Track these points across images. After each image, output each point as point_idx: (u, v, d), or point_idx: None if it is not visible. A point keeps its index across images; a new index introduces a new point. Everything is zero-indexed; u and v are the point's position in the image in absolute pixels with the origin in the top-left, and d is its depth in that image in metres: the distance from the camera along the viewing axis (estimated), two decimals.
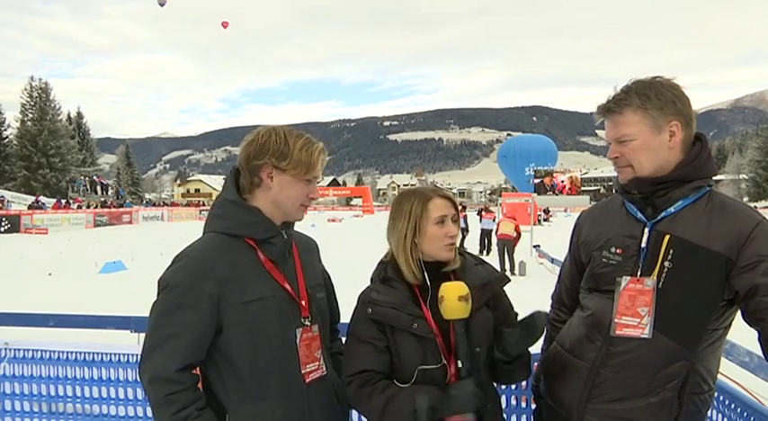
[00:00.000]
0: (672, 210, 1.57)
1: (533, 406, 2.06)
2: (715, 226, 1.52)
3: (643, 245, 1.59)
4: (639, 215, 1.62)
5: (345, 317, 1.93)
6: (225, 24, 61.16)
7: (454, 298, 1.55)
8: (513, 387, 2.32)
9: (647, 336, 1.56)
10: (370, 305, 1.65)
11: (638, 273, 1.59)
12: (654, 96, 1.57)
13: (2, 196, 35.10)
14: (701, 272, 1.52)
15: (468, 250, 1.88)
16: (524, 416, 2.32)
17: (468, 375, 1.56)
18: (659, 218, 1.58)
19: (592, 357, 1.63)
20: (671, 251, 1.54)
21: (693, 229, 1.53)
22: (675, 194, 1.56)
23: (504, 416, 1.85)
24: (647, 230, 1.59)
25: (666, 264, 1.55)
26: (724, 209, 1.55)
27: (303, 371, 1.61)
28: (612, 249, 1.65)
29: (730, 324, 1.60)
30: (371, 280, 1.74)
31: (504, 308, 1.74)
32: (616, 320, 1.60)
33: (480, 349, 1.63)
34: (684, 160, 1.58)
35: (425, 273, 1.67)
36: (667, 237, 1.55)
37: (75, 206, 37.98)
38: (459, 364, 1.57)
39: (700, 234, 1.52)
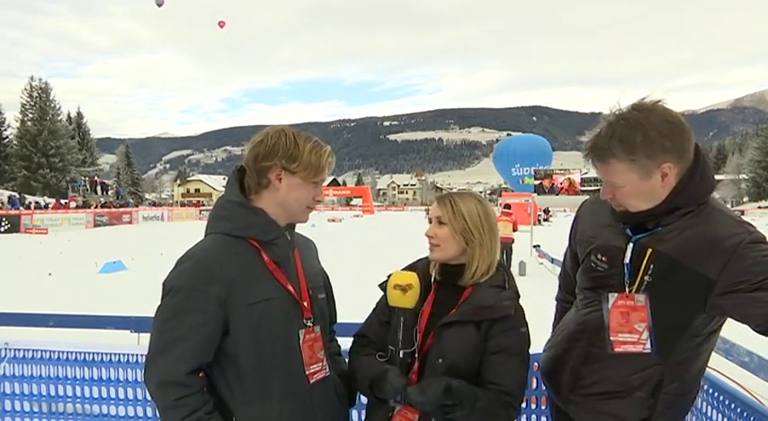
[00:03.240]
0: (660, 228, 1.55)
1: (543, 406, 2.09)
2: (697, 242, 1.49)
3: (627, 260, 1.59)
4: (626, 229, 1.60)
5: (345, 317, 1.94)
6: (222, 24, 60.96)
7: (391, 285, 1.66)
8: None
9: (648, 351, 1.58)
10: (387, 281, 1.78)
11: (626, 288, 1.59)
12: (640, 143, 1.45)
13: (12, 195, 35.40)
14: (679, 288, 1.51)
15: None
16: (534, 416, 2.32)
17: (400, 366, 1.62)
18: (646, 233, 1.57)
19: (575, 355, 1.71)
20: (651, 266, 1.54)
21: (675, 244, 1.51)
22: (663, 221, 1.54)
23: None
24: (630, 245, 1.58)
25: (647, 278, 1.55)
26: (709, 223, 1.50)
27: (307, 372, 1.61)
28: (599, 256, 1.66)
29: (718, 329, 1.60)
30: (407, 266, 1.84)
31: (500, 343, 1.60)
32: (612, 338, 1.61)
33: (443, 361, 1.60)
34: (675, 190, 1.51)
35: (434, 270, 1.74)
36: (649, 250, 1.54)
37: (74, 205, 38.02)
38: (401, 353, 1.64)
39: (680, 250, 1.50)
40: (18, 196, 35.98)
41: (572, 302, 1.86)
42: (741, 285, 1.42)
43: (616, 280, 1.61)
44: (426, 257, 1.82)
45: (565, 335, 1.79)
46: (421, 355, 1.66)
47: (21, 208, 32.50)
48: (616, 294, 1.60)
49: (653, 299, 1.55)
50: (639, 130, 1.46)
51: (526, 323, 1.67)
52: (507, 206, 14.50)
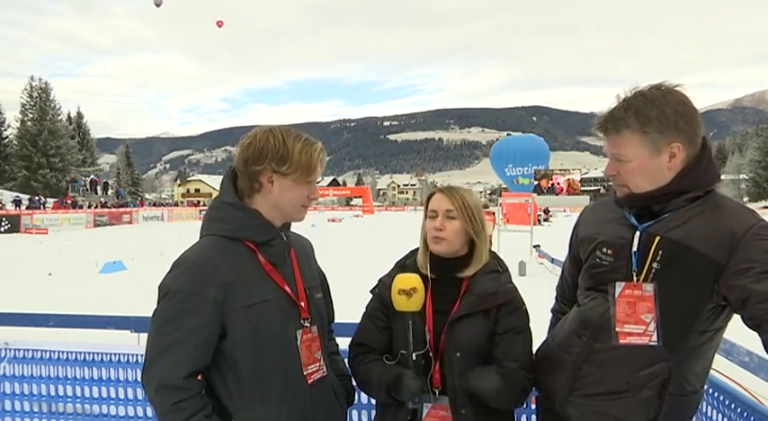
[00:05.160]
0: (667, 215, 1.54)
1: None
2: (706, 227, 1.48)
3: (634, 248, 1.56)
4: (632, 219, 1.59)
5: (345, 317, 1.94)
6: (220, 23, 60.84)
7: (395, 290, 1.64)
8: None
9: (655, 344, 1.54)
10: (379, 286, 1.79)
11: (633, 278, 1.56)
12: (655, 117, 1.47)
13: (17, 197, 35.62)
14: (688, 274, 1.49)
15: None
16: (534, 416, 2.31)
17: (414, 369, 1.62)
18: (652, 222, 1.55)
19: (576, 352, 1.65)
20: (660, 252, 1.52)
21: (683, 230, 1.50)
22: (670, 206, 1.53)
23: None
24: (638, 234, 1.56)
25: (655, 265, 1.52)
26: (717, 210, 1.50)
27: (305, 373, 1.60)
28: (604, 250, 1.62)
29: (724, 326, 1.58)
30: (395, 264, 1.85)
31: (509, 323, 1.70)
32: (617, 329, 1.57)
33: (461, 354, 1.65)
34: (681, 172, 1.51)
35: (429, 266, 1.74)
36: (657, 238, 1.52)
37: (70, 203, 38.09)
38: (413, 356, 1.63)
39: (689, 235, 1.49)
40: (39, 198, 36.29)
41: (566, 313, 1.81)
42: (748, 272, 1.41)
43: (621, 273, 1.58)
44: (412, 254, 1.82)
45: (564, 333, 1.73)
46: (438, 354, 1.68)
47: (34, 209, 32.86)
48: (623, 283, 1.57)
49: (661, 286, 1.52)
50: (656, 106, 1.48)
51: (523, 301, 1.77)
52: (485, 206, 15.09)
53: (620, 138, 1.53)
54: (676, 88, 1.52)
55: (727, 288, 1.45)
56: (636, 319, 1.55)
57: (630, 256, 1.56)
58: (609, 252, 1.61)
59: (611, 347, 1.58)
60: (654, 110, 1.48)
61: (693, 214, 1.51)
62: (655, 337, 1.54)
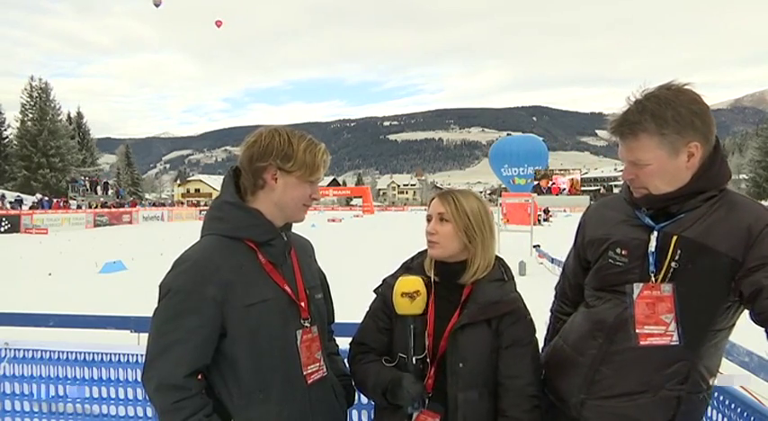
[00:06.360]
0: (682, 215, 1.54)
1: None
2: (723, 225, 1.49)
3: (651, 249, 1.55)
4: (647, 220, 1.58)
5: (345, 317, 1.94)
6: (219, 23, 60.82)
7: (398, 293, 1.63)
8: None
9: (676, 344, 1.54)
10: (383, 286, 1.78)
11: (651, 278, 1.55)
12: (671, 119, 1.47)
13: (18, 197, 35.67)
14: (707, 272, 1.49)
15: None
16: None
17: (414, 373, 1.60)
18: (668, 222, 1.55)
19: (592, 354, 1.63)
20: (678, 251, 1.52)
21: (700, 229, 1.50)
22: (687, 206, 1.53)
23: None
24: (654, 234, 1.55)
25: (673, 264, 1.52)
26: (733, 207, 1.51)
27: (305, 373, 1.60)
28: (618, 250, 1.61)
29: (735, 323, 1.59)
30: (402, 264, 1.83)
31: (512, 335, 1.65)
32: (637, 330, 1.56)
33: (465, 366, 1.62)
34: (698, 173, 1.52)
35: (433, 271, 1.72)
36: (675, 237, 1.52)
37: (64, 203, 38.15)
38: (413, 360, 1.62)
39: (707, 233, 1.49)
40: (47, 198, 36.37)
41: (569, 314, 1.81)
42: (763, 268, 1.42)
43: (636, 273, 1.57)
44: (419, 256, 1.81)
45: (577, 335, 1.70)
46: (435, 360, 1.65)
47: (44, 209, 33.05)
48: (641, 284, 1.56)
49: (680, 285, 1.52)
50: (670, 107, 1.48)
51: (528, 311, 1.71)
52: None
53: (637, 142, 1.52)
54: (686, 87, 1.52)
55: (741, 284, 1.46)
56: (656, 320, 1.55)
57: (646, 257, 1.56)
58: (623, 253, 1.60)
59: (629, 349, 1.57)
60: (669, 111, 1.47)
61: (710, 212, 1.52)
62: (675, 337, 1.54)
